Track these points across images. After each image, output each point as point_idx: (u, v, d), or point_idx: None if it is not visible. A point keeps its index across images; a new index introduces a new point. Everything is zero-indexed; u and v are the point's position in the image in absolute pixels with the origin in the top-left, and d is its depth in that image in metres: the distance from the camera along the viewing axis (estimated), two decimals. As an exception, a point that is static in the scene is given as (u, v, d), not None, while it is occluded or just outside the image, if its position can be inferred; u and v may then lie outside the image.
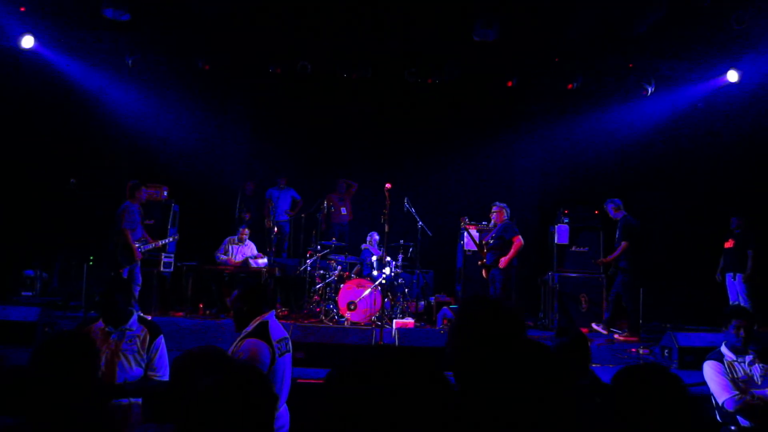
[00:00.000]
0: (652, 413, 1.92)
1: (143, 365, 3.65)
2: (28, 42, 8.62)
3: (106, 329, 3.65)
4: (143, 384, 3.59)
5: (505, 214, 7.94)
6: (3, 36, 8.54)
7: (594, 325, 8.06)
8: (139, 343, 3.66)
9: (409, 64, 9.50)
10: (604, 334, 7.79)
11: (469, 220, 9.15)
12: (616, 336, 7.67)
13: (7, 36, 8.55)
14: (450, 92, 10.13)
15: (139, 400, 3.48)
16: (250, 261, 9.07)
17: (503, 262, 7.50)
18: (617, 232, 7.98)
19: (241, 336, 3.37)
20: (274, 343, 3.29)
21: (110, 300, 3.67)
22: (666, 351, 6.28)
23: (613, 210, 8.10)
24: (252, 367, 1.97)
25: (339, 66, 9.48)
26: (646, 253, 9.59)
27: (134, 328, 3.70)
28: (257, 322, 3.39)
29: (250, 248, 9.31)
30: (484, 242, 7.85)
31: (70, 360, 2.22)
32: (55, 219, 9.24)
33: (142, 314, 3.92)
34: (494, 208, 8.01)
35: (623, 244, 7.78)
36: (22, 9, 8.27)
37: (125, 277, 7.78)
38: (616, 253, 7.87)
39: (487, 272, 7.75)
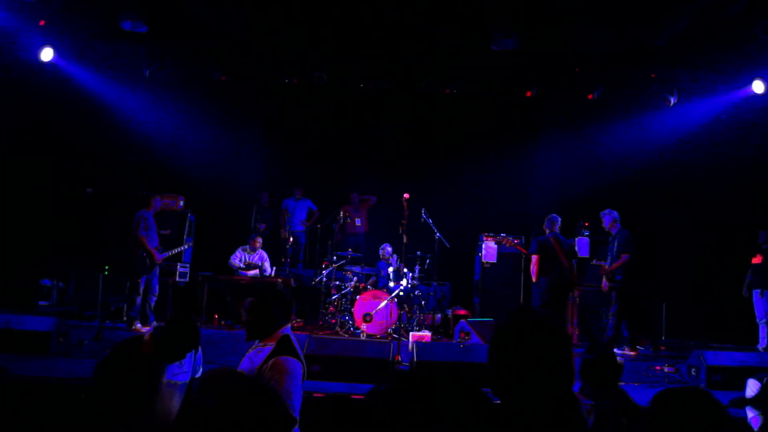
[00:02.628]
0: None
1: None
2: (47, 54, 8.69)
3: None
4: None
5: (546, 227, 7.59)
6: (23, 49, 8.62)
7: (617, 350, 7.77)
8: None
9: (427, 74, 9.43)
10: (630, 355, 7.53)
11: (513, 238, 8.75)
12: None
13: (27, 49, 8.62)
14: (468, 102, 10.04)
15: None
16: (262, 263, 9.04)
17: (533, 276, 7.34)
18: (615, 245, 7.60)
19: (267, 353, 3.03)
20: (302, 358, 3.09)
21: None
22: (693, 370, 6.04)
23: (610, 222, 7.71)
24: (265, 388, 1.87)
25: (355, 76, 9.43)
26: (667, 268, 9.40)
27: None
28: (280, 336, 3.11)
29: (260, 256, 9.27)
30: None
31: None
32: (71, 228, 9.26)
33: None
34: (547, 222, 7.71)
35: (624, 256, 7.43)
36: (42, 22, 8.35)
37: (142, 287, 7.78)
38: (618, 263, 7.50)
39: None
